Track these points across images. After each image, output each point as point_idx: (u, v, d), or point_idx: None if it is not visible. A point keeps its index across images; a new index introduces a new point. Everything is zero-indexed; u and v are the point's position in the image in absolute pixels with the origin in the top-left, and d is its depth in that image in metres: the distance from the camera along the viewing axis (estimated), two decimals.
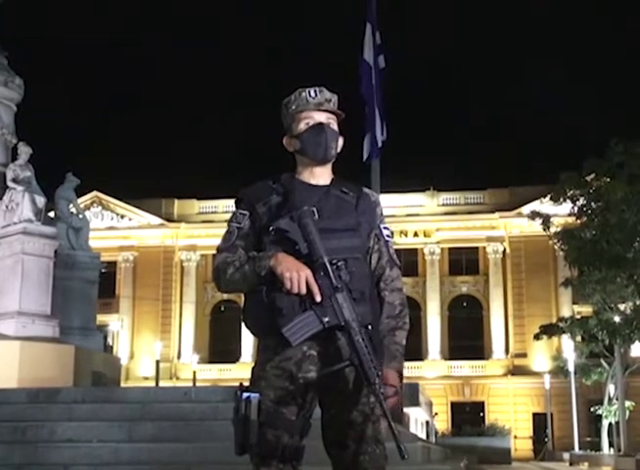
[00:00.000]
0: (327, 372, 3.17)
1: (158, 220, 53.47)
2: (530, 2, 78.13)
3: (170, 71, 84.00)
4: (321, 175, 3.45)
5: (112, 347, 47.34)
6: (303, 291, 3.13)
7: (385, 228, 3.48)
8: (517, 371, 49.27)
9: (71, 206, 19.98)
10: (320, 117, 3.42)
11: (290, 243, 3.22)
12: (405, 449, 2.99)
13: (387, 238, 3.47)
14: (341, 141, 3.50)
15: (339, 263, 3.19)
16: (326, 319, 3.13)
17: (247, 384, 3.28)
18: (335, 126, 3.46)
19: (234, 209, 3.46)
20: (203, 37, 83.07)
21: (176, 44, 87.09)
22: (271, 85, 76.90)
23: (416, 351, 49.27)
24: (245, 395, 3.19)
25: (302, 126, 3.42)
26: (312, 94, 3.43)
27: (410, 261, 49.84)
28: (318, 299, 3.14)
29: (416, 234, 51.66)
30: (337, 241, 3.25)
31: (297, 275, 3.12)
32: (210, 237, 49.24)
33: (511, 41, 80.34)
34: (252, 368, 3.35)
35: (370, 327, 3.21)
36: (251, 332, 3.37)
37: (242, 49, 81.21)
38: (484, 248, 52.04)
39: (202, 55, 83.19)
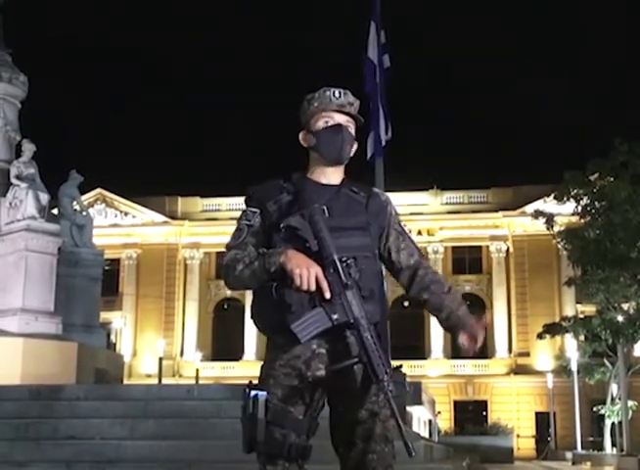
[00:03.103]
0: (335, 368, 3.17)
1: (161, 218, 53.48)
2: (531, 2, 78.21)
3: (171, 70, 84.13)
4: (332, 175, 3.46)
5: (114, 344, 47.43)
6: (313, 287, 3.12)
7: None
8: (520, 370, 49.25)
9: (75, 203, 20.00)
10: (340, 118, 3.44)
11: (300, 240, 3.22)
12: (413, 447, 2.98)
13: (409, 234, 3.53)
14: (355, 146, 3.52)
15: (348, 261, 3.20)
16: (335, 316, 3.13)
17: (255, 382, 3.28)
18: (352, 130, 3.48)
19: (244, 207, 3.46)
20: (203, 37, 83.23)
21: (176, 44, 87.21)
22: (271, 85, 77.09)
23: (419, 349, 49.37)
24: (252, 393, 3.18)
25: (321, 124, 3.43)
26: (336, 95, 3.45)
27: None
28: (327, 296, 3.13)
29: (419, 233, 51.60)
30: (347, 239, 3.25)
31: (306, 272, 3.12)
32: (214, 235, 49.27)
33: (512, 41, 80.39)
34: (261, 366, 3.34)
35: (378, 325, 3.22)
36: (260, 330, 3.37)
37: (242, 49, 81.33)
38: (488, 247, 52.02)
39: (202, 54, 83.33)
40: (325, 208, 3.29)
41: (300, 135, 3.51)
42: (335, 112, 3.43)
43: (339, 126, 3.42)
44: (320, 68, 60.86)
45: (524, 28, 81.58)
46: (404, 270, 3.49)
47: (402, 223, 3.52)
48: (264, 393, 3.18)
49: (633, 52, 78.75)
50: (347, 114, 3.45)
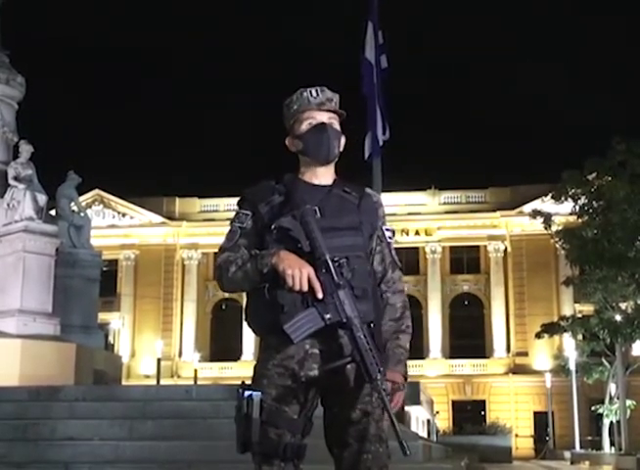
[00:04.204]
0: (329, 368, 3.17)
1: (159, 219, 53.47)
2: (531, 2, 78.26)
3: (171, 70, 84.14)
4: (323, 175, 3.44)
5: (113, 345, 47.45)
6: (305, 288, 3.12)
7: (387, 230, 3.48)
8: (518, 370, 49.27)
9: (73, 204, 20.00)
10: (322, 116, 3.41)
11: (292, 241, 3.22)
12: (407, 446, 2.98)
13: (388, 240, 3.48)
14: (343, 140, 3.49)
15: (341, 261, 3.19)
16: (327, 316, 3.13)
17: (249, 382, 3.28)
18: (337, 126, 3.45)
19: (237, 208, 3.46)
20: (203, 37, 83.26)
21: (176, 44, 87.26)
22: (271, 85, 77.08)
23: (417, 349, 49.25)
24: (247, 393, 3.18)
25: (304, 127, 3.42)
26: (314, 94, 3.42)
27: (411, 260, 49.86)
28: (320, 296, 3.13)
29: (417, 233, 51.68)
30: (339, 239, 3.25)
31: (298, 272, 3.11)
32: (212, 235, 49.28)
33: (512, 41, 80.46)
34: (255, 366, 3.34)
35: (372, 324, 3.22)
36: (254, 330, 3.37)
37: (242, 49, 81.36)
38: (486, 246, 52.04)
39: (202, 54, 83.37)
40: (317, 208, 3.28)
41: (287, 141, 3.50)
42: (315, 111, 3.41)
43: (322, 125, 3.40)
44: (320, 68, 60.86)
45: (524, 28, 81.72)
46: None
47: (386, 227, 3.48)
48: (259, 393, 3.18)
49: (633, 52, 78.82)
50: (329, 110, 3.43)
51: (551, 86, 79.43)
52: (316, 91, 3.43)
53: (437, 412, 36.19)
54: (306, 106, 3.41)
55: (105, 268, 20.73)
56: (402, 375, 3.33)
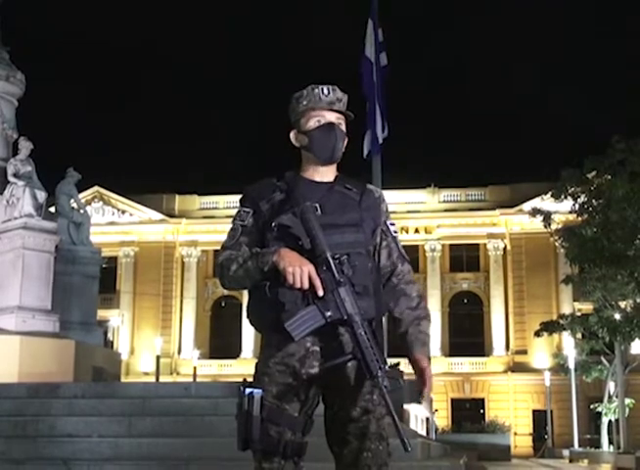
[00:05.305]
0: (330, 365, 3.17)
1: (158, 216, 53.44)
2: (531, 2, 78.31)
3: (172, 69, 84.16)
4: (325, 173, 3.44)
5: (112, 342, 47.45)
6: (306, 285, 3.12)
7: (391, 224, 3.49)
8: (517, 368, 49.27)
9: (72, 201, 19.97)
10: (331, 116, 3.41)
11: (293, 238, 3.22)
12: (409, 442, 2.98)
13: (394, 234, 3.49)
14: (346, 141, 3.50)
15: (341, 258, 3.19)
16: (328, 314, 3.13)
17: (250, 379, 3.28)
18: (343, 127, 3.46)
19: (238, 206, 3.46)
20: (203, 37, 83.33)
21: (176, 43, 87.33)
22: (271, 84, 77.16)
23: None
24: (247, 390, 3.18)
25: (312, 124, 3.41)
26: (325, 92, 3.42)
27: (411, 258, 47.92)
28: (321, 293, 3.13)
29: (417, 231, 51.66)
30: (340, 236, 3.25)
31: (299, 270, 3.11)
32: (211, 233, 49.29)
33: (512, 41, 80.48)
34: (256, 364, 3.34)
35: (373, 321, 3.22)
36: (255, 328, 3.38)
37: (242, 49, 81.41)
38: (485, 245, 52.02)
39: (202, 53, 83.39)
40: (318, 205, 3.29)
41: (291, 135, 3.49)
42: (325, 110, 3.41)
43: (331, 125, 3.40)
44: (320, 67, 60.93)
45: (523, 28, 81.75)
46: (379, 269, 3.47)
47: (390, 222, 3.50)
48: (260, 390, 3.18)
49: (633, 51, 78.87)
50: (338, 111, 3.43)
51: (550, 86, 79.50)
52: (327, 89, 3.42)
53: (436, 410, 36.26)
54: (317, 103, 3.41)
55: (104, 265, 20.72)
56: (427, 357, 3.48)
